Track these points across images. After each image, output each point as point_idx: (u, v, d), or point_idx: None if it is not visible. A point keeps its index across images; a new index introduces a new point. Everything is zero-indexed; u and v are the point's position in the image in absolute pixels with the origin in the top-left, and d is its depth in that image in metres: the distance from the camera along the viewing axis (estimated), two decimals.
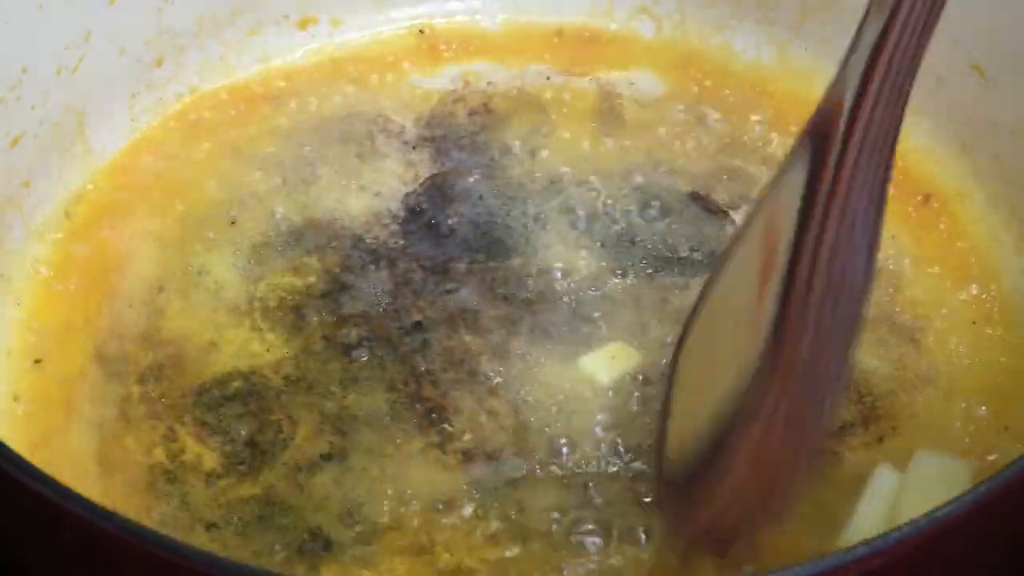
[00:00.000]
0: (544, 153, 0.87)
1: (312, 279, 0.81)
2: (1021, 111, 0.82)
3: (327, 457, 0.73)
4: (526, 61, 0.93)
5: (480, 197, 0.85)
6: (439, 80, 0.92)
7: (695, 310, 0.67)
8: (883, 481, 0.69)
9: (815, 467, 0.66)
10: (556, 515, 0.70)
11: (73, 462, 0.73)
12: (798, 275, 0.58)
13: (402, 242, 0.83)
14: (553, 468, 0.72)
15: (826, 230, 0.57)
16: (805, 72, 0.91)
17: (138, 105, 0.89)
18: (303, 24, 0.94)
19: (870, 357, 0.77)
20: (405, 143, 0.88)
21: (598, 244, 0.82)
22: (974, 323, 0.79)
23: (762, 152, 0.88)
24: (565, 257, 0.82)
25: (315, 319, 0.79)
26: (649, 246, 0.82)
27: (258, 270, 0.81)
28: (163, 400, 0.75)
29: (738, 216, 0.84)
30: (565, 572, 0.68)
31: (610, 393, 0.75)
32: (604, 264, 0.81)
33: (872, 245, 0.59)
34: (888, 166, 0.57)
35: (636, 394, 0.75)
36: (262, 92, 0.91)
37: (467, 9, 0.95)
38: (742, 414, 0.61)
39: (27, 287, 0.80)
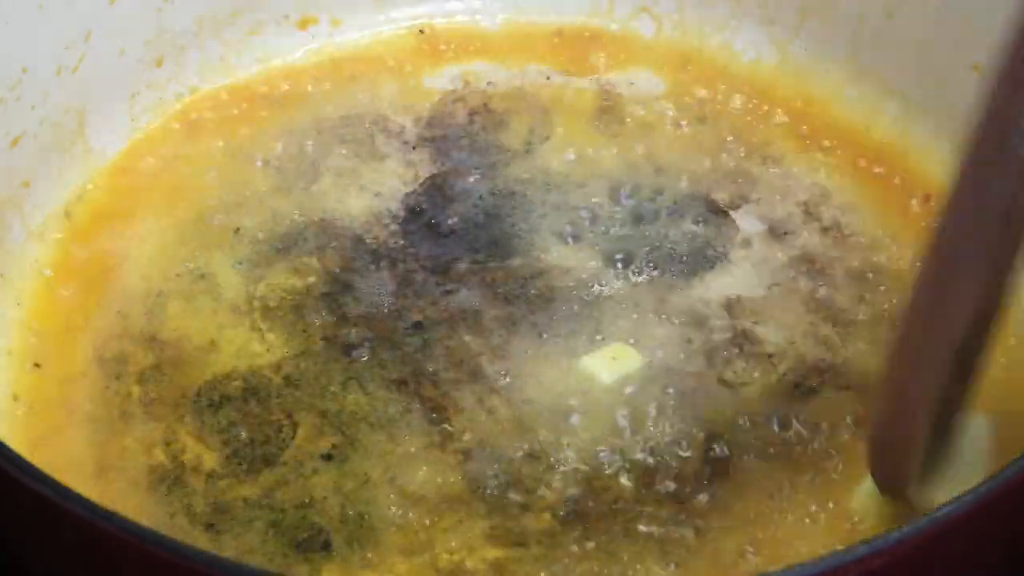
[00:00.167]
0: (544, 153, 0.87)
1: (312, 279, 0.81)
2: None
3: (327, 457, 0.73)
4: (526, 61, 0.93)
5: (480, 197, 0.85)
6: (439, 80, 0.92)
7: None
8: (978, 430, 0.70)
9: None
10: (556, 515, 0.70)
11: (73, 462, 0.72)
12: None
13: (402, 242, 0.83)
14: (553, 468, 0.72)
15: None
16: (805, 72, 0.91)
17: (138, 105, 0.89)
18: (303, 24, 0.94)
19: (870, 356, 0.77)
20: (405, 143, 0.88)
21: (598, 244, 0.82)
22: None
23: (762, 152, 0.88)
24: (565, 257, 0.82)
25: (315, 319, 0.79)
26: (649, 246, 0.82)
27: (258, 270, 0.81)
28: (163, 400, 0.75)
29: (738, 216, 0.84)
30: (566, 572, 0.68)
31: (611, 393, 0.75)
32: (604, 264, 0.81)
33: None
34: None
35: (637, 394, 0.75)
36: (262, 92, 0.91)
37: (467, 9, 0.95)
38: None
39: (27, 287, 0.80)
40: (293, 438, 0.73)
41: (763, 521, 0.70)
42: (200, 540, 0.69)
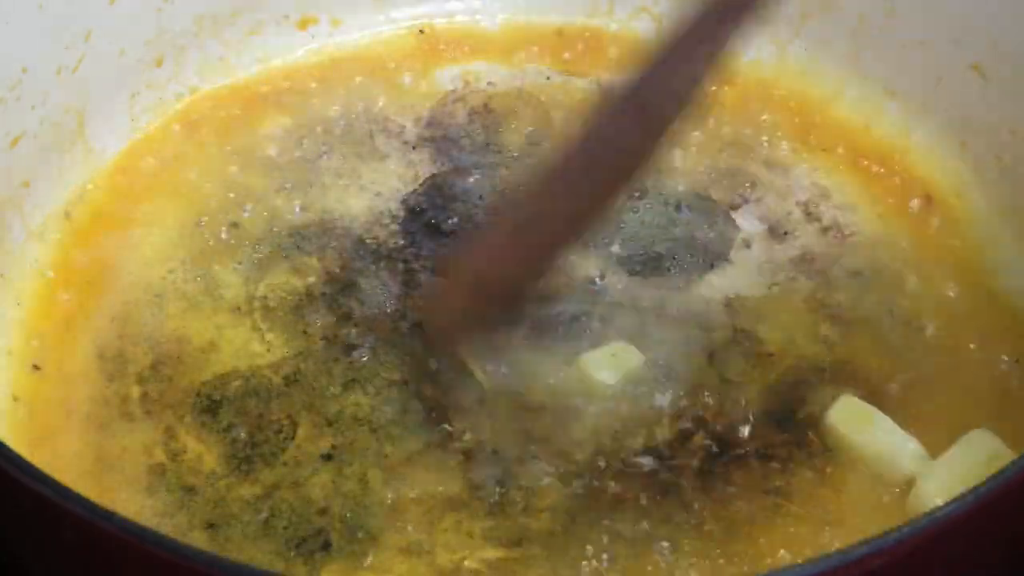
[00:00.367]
0: (544, 153, 0.87)
1: (312, 279, 0.81)
2: (1021, 111, 0.82)
3: (327, 457, 0.73)
4: (526, 61, 0.93)
5: (480, 197, 0.85)
6: (439, 80, 0.92)
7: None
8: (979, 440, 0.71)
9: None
10: (556, 515, 0.70)
11: (73, 462, 0.72)
12: None
13: (402, 242, 0.83)
14: (554, 467, 0.72)
15: None
16: (805, 72, 0.91)
17: (138, 105, 0.89)
18: (303, 24, 0.94)
19: (870, 355, 0.77)
20: (405, 143, 0.88)
21: (598, 244, 0.82)
22: (974, 322, 0.79)
23: (762, 152, 0.88)
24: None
25: (315, 319, 0.79)
26: (649, 246, 0.82)
27: (258, 270, 0.81)
28: (163, 400, 0.75)
29: (738, 216, 0.84)
30: (566, 572, 0.68)
31: (611, 392, 0.75)
32: (604, 264, 0.81)
33: None
34: None
35: (637, 392, 0.75)
36: (262, 92, 0.91)
37: (467, 9, 0.95)
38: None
39: (27, 287, 0.80)
40: (293, 438, 0.73)
41: (763, 521, 0.70)
42: (200, 540, 0.69)
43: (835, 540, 0.69)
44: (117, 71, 0.87)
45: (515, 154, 0.87)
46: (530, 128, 0.89)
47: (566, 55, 0.94)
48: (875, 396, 0.75)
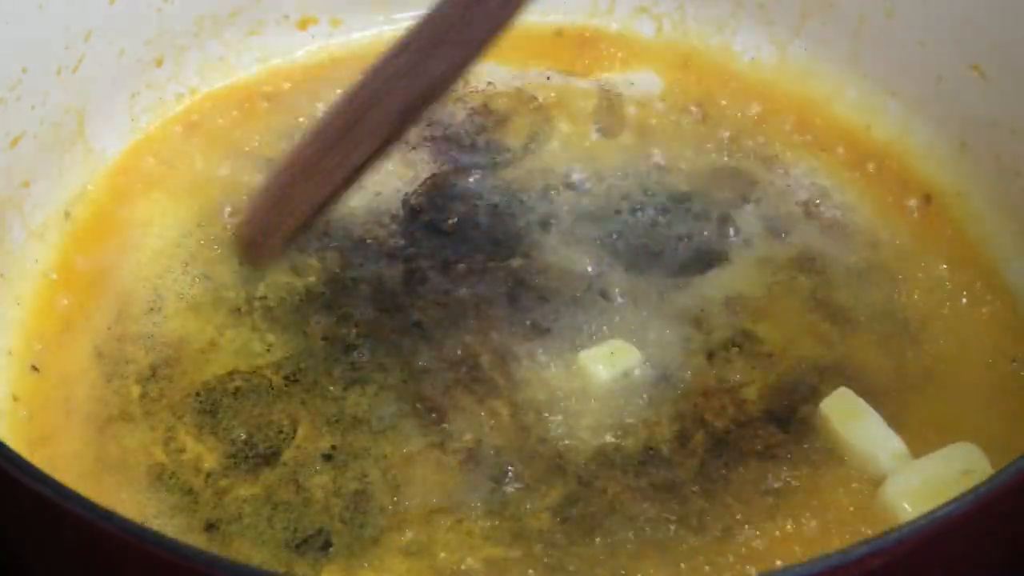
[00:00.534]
0: (544, 153, 0.87)
1: (312, 279, 0.81)
2: (1021, 111, 0.82)
3: (327, 457, 0.73)
4: (526, 61, 0.93)
5: (480, 197, 0.85)
6: None
7: None
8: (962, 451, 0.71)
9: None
10: (556, 515, 0.70)
11: (73, 462, 0.73)
12: None
13: (402, 242, 0.83)
14: (554, 466, 0.72)
15: None
16: (805, 72, 0.91)
17: (138, 105, 0.89)
18: (303, 24, 0.94)
19: (870, 355, 0.77)
20: (405, 143, 0.88)
21: (597, 243, 0.82)
22: (974, 322, 0.79)
23: (762, 152, 0.88)
24: (564, 256, 0.82)
25: (315, 319, 0.79)
26: (649, 245, 0.82)
27: (258, 270, 0.81)
28: (163, 400, 0.75)
29: (738, 216, 0.84)
30: (565, 572, 0.68)
31: (610, 390, 0.75)
32: (603, 263, 0.81)
33: None
34: None
35: (636, 390, 0.75)
36: (262, 92, 0.91)
37: None
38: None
39: (27, 287, 0.80)
40: (293, 438, 0.73)
41: (762, 521, 0.70)
42: (200, 540, 0.69)
43: (835, 539, 0.69)
44: (117, 71, 0.87)
45: (515, 154, 0.87)
46: (530, 128, 0.89)
47: (566, 55, 0.94)
48: (873, 395, 0.75)
